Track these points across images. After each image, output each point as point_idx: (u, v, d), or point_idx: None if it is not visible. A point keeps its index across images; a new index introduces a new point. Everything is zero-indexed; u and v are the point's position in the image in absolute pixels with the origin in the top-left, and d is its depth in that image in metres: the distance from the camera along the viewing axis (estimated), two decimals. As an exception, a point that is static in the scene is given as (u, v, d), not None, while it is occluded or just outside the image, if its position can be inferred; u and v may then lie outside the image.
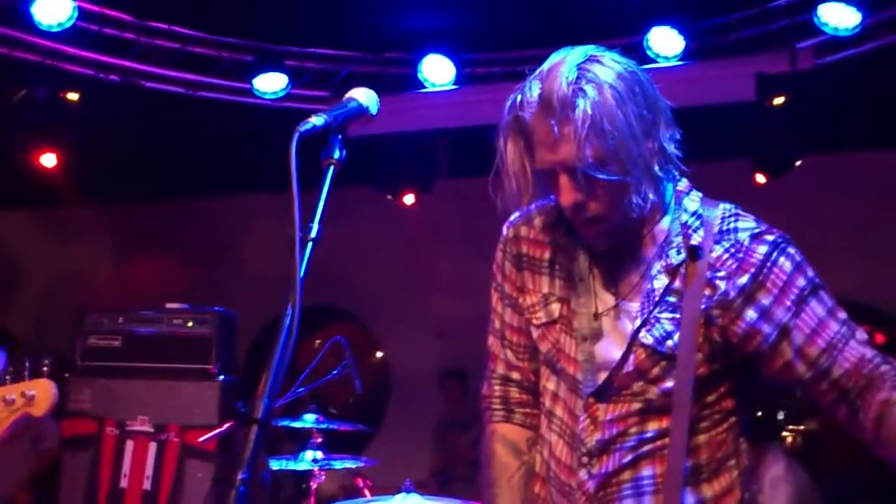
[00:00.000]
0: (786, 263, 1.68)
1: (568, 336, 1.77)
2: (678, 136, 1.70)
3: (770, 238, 1.71)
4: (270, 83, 5.99)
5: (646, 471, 1.72)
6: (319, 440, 4.19)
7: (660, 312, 1.71)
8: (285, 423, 4.34)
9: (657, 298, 1.71)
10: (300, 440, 4.30)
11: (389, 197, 7.08)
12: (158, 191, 7.76)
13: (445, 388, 7.23)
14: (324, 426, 4.21)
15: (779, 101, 5.49)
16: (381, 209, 7.42)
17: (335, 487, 6.44)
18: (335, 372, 4.19)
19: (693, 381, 1.68)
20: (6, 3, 5.37)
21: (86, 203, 7.76)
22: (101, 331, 5.00)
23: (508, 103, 1.69)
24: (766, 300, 1.67)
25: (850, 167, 6.82)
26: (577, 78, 1.60)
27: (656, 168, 1.66)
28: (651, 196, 1.65)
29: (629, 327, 1.72)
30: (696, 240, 1.71)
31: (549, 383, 1.83)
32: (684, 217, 1.74)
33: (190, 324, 4.93)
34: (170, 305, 5.08)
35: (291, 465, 4.10)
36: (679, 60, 5.40)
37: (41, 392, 2.40)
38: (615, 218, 1.67)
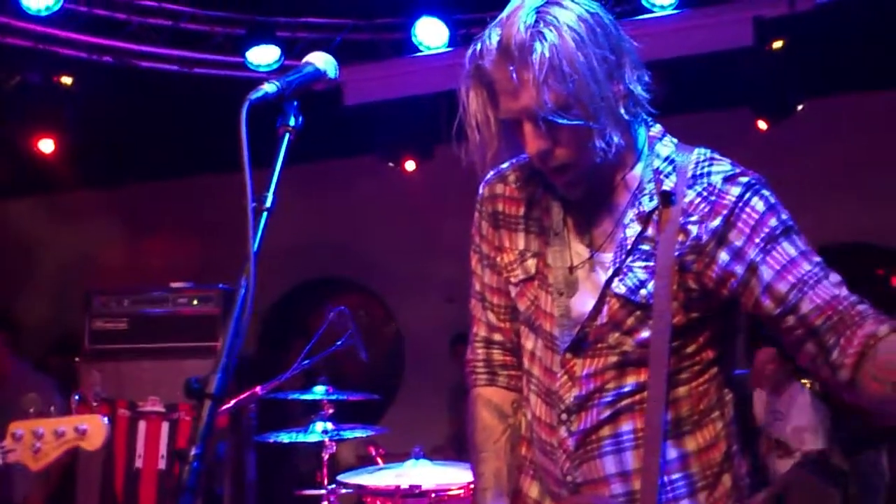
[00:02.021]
0: (758, 204, 1.64)
1: (544, 292, 1.74)
2: (647, 79, 1.65)
3: (744, 180, 1.66)
4: (263, 55, 5.95)
5: (626, 426, 1.69)
6: (330, 411, 4.20)
7: (633, 261, 1.67)
8: (295, 395, 4.36)
9: (629, 247, 1.67)
10: (316, 412, 4.31)
11: (391, 164, 7.04)
12: (160, 170, 7.75)
13: (456, 353, 7.24)
14: (334, 397, 4.22)
15: (778, 45, 5.38)
16: (384, 178, 7.39)
17: (353, 457, 6.48)
18: (339, 343, 4.19)
19: (669, 331, 1.64)
20: (-8, -11, 5.34)
21: (90, 186, 7.77)
22: (107, 313, 5.03)
23: (469, 53, 1.65)
24: (737, 241, 1.63)
25: (853, 109, 6.71)
26: (536, 21, 1.55)
27: (622, 111, 1.61)
28: (616, 140, 1.60)
29: (603, 278, 1.69)
30: (668, 185, 1.67)
31: (528, 342, 1.80)
32: (656, 163, 1.70)
33: (195, 302, 4.95)
34: (174, 284, 5.09)
35: (302, 438, 4.11)
36: (674, 9, 5.30)
37: (94, 427, 2.47)
38: (583, 164, 1.63)
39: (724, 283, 1.64)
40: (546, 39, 1.53)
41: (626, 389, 1.68)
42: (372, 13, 6.12)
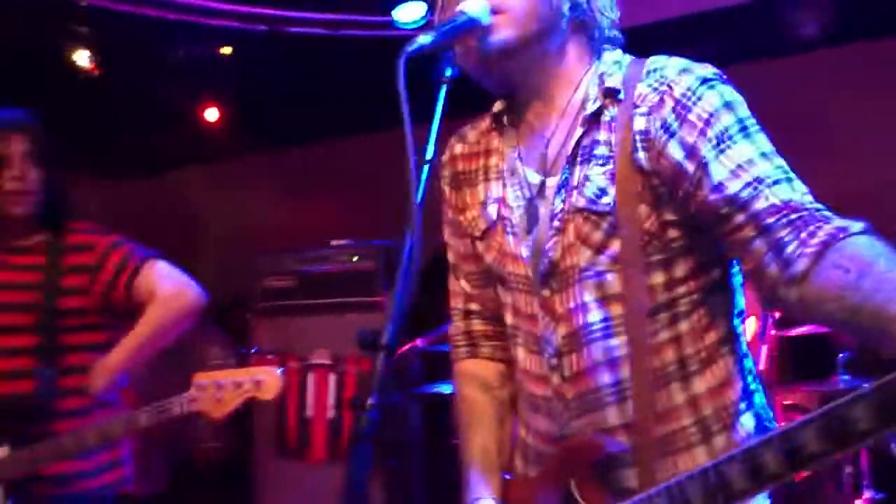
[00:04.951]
0: (714, 98, 1.47)
1: (511, 235, 1.64)
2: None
3: (700, 72, 1.50)
4: (409, 12, 5.97)
5: (626, 371, 1.53)
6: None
7: (589, 170, 1.54)
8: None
9: (581, 157, 1.55)
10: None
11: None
12: (316, 133, 7.96)
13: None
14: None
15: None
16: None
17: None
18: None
19: (641, 238, 1.50)
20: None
21: (250, 152, 8.08)
22: (274, 272, 5.27)
23: None
24: (689, 137, 1.46)
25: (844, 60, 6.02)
26: None
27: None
28: (564, 9, 1.58)
29: (561, 198, 1.57)
30: (611, 82, 1.56)
31: (506, 296, 1.68)
32: (602, 68, 1.60)
33: (355, 259, 5.11)
34: (335, 242, 5.27)
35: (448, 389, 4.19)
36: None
37: (269, 379, 2.60)
38: (518, 9, 1.55)
39: (678, 183, 1.48)
40: None
41: (616, 322, 1.53)
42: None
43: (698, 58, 1.57)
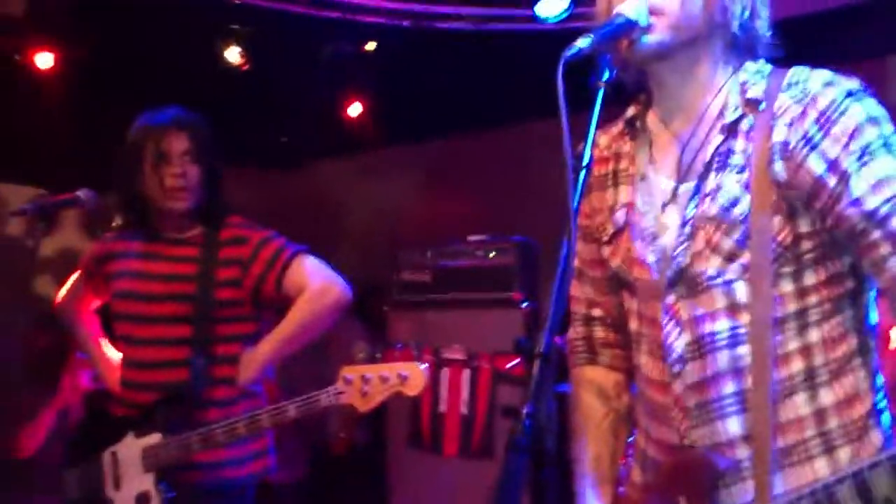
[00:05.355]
0: (859, 111, 1.46)
1: (639, 240, 1.63)
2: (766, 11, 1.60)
3: (846, 85, 1.49)
4: (551, 6, 5.91)
5: (749, 382, 1.52)
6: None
7: (724, 178, 1.53)
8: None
9: (716, 164, 1.54)
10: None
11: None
12: (456, 126, 8.01)
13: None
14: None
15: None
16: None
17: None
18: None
19: (773, 248, 1.48)
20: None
21: (391, 145, 8.21)
22: (411, 265, 5.32)
23: None
24: (832, 150, 1.45)
25: None
26: None
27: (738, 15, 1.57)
28: (716, 16, 1.55)
29: (694, 204, 1.56)
30: (753, 93, 1.54)
31: (631, 302, 1.68)
32: (743, 77, 1.58)
33: (492, 254, 5.10)
34: (472, 238, 5.28)
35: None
36: None
37: (414, 374, 2.63)
38: (677, 13, 1.54)
39: (817, 196, 1.47)
40: None
41: (743, 330, 1.51)
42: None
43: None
